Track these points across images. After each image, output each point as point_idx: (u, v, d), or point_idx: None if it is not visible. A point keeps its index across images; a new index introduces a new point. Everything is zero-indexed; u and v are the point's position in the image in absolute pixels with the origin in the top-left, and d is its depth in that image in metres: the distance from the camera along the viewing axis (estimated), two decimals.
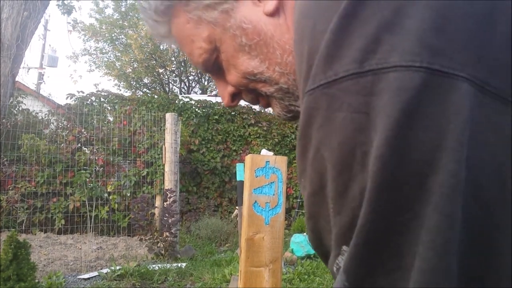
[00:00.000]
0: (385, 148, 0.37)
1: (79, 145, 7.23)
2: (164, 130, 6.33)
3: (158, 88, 21.00)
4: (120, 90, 21.13)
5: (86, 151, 7.25)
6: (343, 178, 0.40)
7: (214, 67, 0.67)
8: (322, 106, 0.41)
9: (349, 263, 0.39)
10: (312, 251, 5.22)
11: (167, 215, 5.42)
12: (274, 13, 0.60)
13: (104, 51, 21.38)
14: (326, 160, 0.42)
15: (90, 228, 6.08)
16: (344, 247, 0.42)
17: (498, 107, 0.37)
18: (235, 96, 0.69)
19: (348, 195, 0.40)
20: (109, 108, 7.88)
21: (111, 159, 7.18)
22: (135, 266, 4.57)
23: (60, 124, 7.61)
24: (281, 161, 1.82)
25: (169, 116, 6.10)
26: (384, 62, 0.38)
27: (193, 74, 21.58)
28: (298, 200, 8.00)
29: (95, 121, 7.43)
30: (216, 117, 8.52)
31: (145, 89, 20.96)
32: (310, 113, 0.43)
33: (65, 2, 8.33)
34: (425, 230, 0.36)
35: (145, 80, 21.82)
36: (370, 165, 0.38)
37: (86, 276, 4.51)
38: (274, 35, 0.60)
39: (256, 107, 8.69)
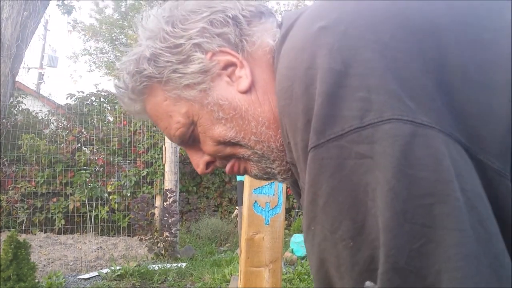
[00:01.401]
0: (394, 181, 0.45)
1: (79, 145, 7.23)
2: None
3: None
4: None
5: (86, 151, 7.25)
6: (360, 215, 0.47)
7: (190, 139, 0.72)
8: (333, 156, 0.49)
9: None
10: None
11: (167, 215, 5.42)
12: (247, 91, 0.68)
13: (104, 51, 21.38)
14: (340, 203, 0.48)
15: (90, 228, 6.08)
16: (368, 283, 0.48)
17: (460, 149, 0.47)
18: (210, 164, 0.75)
19: (365, 230, 0.47)
20: (109, 108, 7.87)
21: (111, 159, 7.18)
22: (135, 266, 4.57)
23: (60, 124, 7.61)
24: None
25: None
26: (379, 116, 0.47)
27: None
28: None
29: (95, 121, 7.44)
30: None
31: None
32: (321, 163, 0.49)
33: (65, 2, 8.33)
34: (443, 248, 0.43)
35: None
36: (382, 198, 0.45)
37: (86, 276, 4.51)
38: (249, 109, 0.67)
39: None
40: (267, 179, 0.75)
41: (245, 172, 0.75)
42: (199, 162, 0.75)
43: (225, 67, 0.68)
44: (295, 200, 7.92)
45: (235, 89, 0.68)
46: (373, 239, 0.46)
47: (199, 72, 0.67)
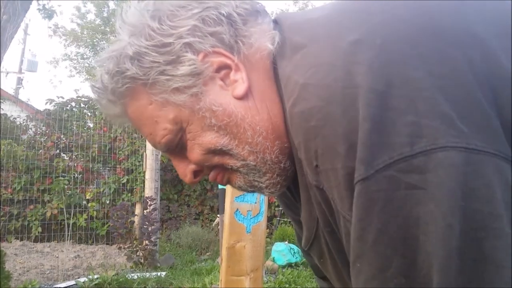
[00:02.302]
0: (451, 217, 0.42)
1: (58, 151, 7.12)
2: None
3: None
4: None
5: (65, 158, 7.14)
6: (411, 251, 0.45)
7: (177, 146, 0.66)
8: (382, 188, 0.45)
9: None
10: (293, 260, 5.21)
11: (147, 223, 5.36)
12: (243, 97, 0.62)
13: (85, 56, 21.18)
14: (391, 239, 0.45)
15: (68, 236, 5.96)
16: None
17: None
18: (198, 173, 0.69)
19: (417, 266, 0.45)
20: (89, 114, 7.77)
21: (91, 166, 7.09)
22: (113, 275, 4.50)
23: (38, 129, 7.49)
24: None
25: None
26: (432, 144, 0.44)
27: None
28: (280, 208, 7.99)
29: (74, 127, 7.33)
30: None
31: None
32: (370, 197, 0.46)
33: (46, 6, 8.23)
34: (492, 285, 0.42)
35: None
36: (437, 234, 0.43)
37: (63, 285, 4.43)
38: (245, 117, 0.62)
39: None
40: (251, 191, 0.70)
41: (228, 182, 0.70)
42: (186, 171, 0.69)
43: (218, 69, 0.63)
44: (277, 208, 7.92)
45: (229, 94, 0.62)
46: (425, 275, 0.44)
47: (190, 74, 0.61)
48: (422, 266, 0.44)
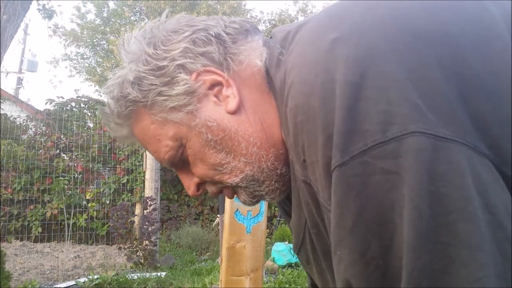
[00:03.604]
0: (417, 199, 0.44)
1: (58, 151, 7.11)
2: None
3: None
4: (101, 96, 20.91)
5: (65, 158, 7.14)
6: (388, 233, 0.46)
7: (180, 161, 0.71)
8: (358, 173, 0.47)
9: None
10: (293, 260, 5.21)
11: (147, 223, 5.36)
12: (236, 111, 0.66)
13: (85, 56, 21.17)
14: (369, 222, 0.47)
15: (68, 236, 5.96)
16: None
17: (486, 162, 0.46)
18: (200, 186, 0.74)
19: (394, 248, 0.46)
20: (89, 114, 7.77)
21: (91, 166, 7.08)
22: (113, 275, 4.50)
23: (38, 129, 7.48)
24: None
25: None
26: (403, 129, 0.46)
27: None
28: None
29: (74, 127, 7.33)
30: None
31: None
32: (346, 182, 0.48)
33: (46, 6, 8.23)
34: (467, 269, 0.42)
35: None
36: (407, 216, 0.44)
37: (63, 285, 4.42)
38: (239, 130, 0.66)
39: None
40: (256, 202, 0.74)
41: (233, 196, 0.74)
42: (190, 184, 0.74)
43: (211, 86, 0.67)
44: (277, 208, 7.92)
45: (223, 110, 0.66)
46: (400, 257, 0.45)
47: (184, 93, 0.66)
48: (398, 248, 0.46)
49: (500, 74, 0.49)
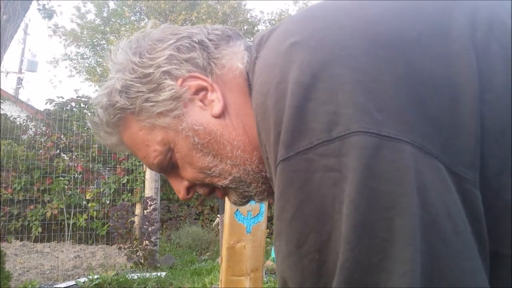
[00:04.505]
0: (355, 194, 0.45)
1: (58, 151, 7.11)
2: None
3: None
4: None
5: (65, 158, 7.14)
6: (327, 228, 0.47)
7: (169, 166, 0.73)
8: (301, 169, 0.49)
9: None
10: None
11: (147, 223, 5.36)
12: (220, 115, 0.68)
13: (85, 56, 21.17)
14: (308, 216, 0.48)
15: (68, 236, 5.96)
16: None
17: (433, 162, 0.47)
18: (190, 189, 0.76)
19: (331, 243, 0.47)
20: (89, 114, 7.77)
21: (91, 166, 7.08)
22: (113, 275, 4.50)
23: (38, 130, 7.48)
24: None
25: None
26: (346, 129, 0.47)
27: None
28: None
29: (74, 127, 7.33)
30: None
31: None
32: (289, 176, 0.50)
33: (46, 6, 8.22)
34: (399, 264, 0.43)
35: None
36: (345, 211, 0.45)
37: (63, 285, 4.42)
38: (223, 134, 0.68)
39: None
40: (246, 202, 0.76)
41: (224, 196, 0.76)
42: (180, 188, 0.76)
43: (197, 91, 0.69)
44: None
45: (209, 114, 0.68)
46: (337, 253, 0.46)
47: (170, 99, 0.68)
48: (335, 243, 0.46)
49: (456, 76, 0.50)
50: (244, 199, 0.75)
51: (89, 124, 7.49)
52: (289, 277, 0.51)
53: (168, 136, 0.69)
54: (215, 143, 0.68)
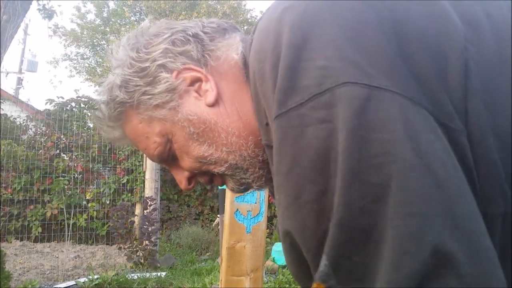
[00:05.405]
0: (346, 143, 0.46)
1: (58, 151, 7.11)
2: None
3: None
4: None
5: (65, 158, 7.13)
6: (323, 178, 0.49)
7: (169, 157, 0.76)
8: (295, 124, 0.50)
9: (328, 246, 0.48)
10: None
11: (147, 223, 5.36)
12: (214, 104, 0.70)
13: (85, 56, 21.15)
14: (303, 168, 0.49)
15: (68, 236, 5.96)
16: (322, 265, 0.49)
17: (423, 112, 0.48)
18: (191, 179, 0.78)
19: (328, 192, 0.48)
20: (89, 114, 7.76)
21: (91, 166, 7.08)
22: (113, 275, 4.50)
23: (38, 130, 7.48)
24: None
25: None
26: (336, 81, 0.48)
27: None
28: None
29: (74, 127, 7.33)
30: None
31: None
32: (284, 132, 0.51)
33: (46, 6, 8.22)
34: (389, 207, 0.44)
35: None
36: (338, 159, 0.47)
37: (63, 285, 4.42)
38: (218, 122, 0.70)
39: None
40: (244, 190, 0.78)
41: (223, 184, 0.78)
42: (181, 178, 0.78)
43: (192, 83, 0.71)
44: (277, 209, 7.92)
45: (203, 103, 0.70)
46: (333, 200, 0.48)
47: (166, 91, 0.70)
48: (332, 191, 0.48)
49: (442, 32, 0.52)
50: (242, 186, 0.77)
51: (89, 124, 7.52)
52: (290, 227, 0.52)
53: (166, 127, 0.72)
54: (210, 132, 0.70)
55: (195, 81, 0.71)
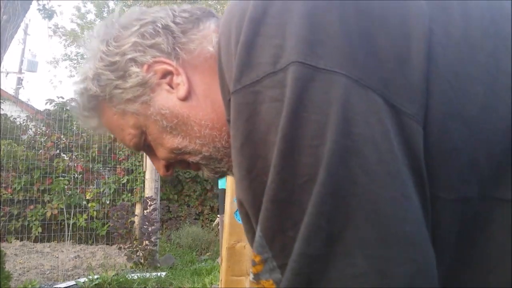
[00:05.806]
0: (284, 122, 0.47)
1: (58, 151, 7.11)
2: None
3: None
4: None
5: (65, 158, 7.14)
6: (270, 154, 0.49)
7: (145, 146, 0.77)
8: (249, 101, 0.51)
9: (261, 218, 0.49)
10: None
11: (147, 223, 5.36)
12: (186, 97, 0.70)
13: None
14: (255, 143, 0.51)
15: (68, 236, 5.97)
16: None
17: (370, 94, 0.48)
18: (169, 167, 0.79)
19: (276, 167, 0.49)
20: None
21: (91, 166, 7.09)
22: (113, 275, 4.50)
23: (38, 130, 7.48)
24: None
25: None
26: (287, 61, 0.48)
27: None
28: None
29: (74, 127, 7.33)
30: None
31: None
32: (238, 108, 0.52)
33: (46, 6, 8.22)
34: (317, 186, 0.45)
35: None
36: (278, 136, 0.48)
37: (63, 285, 4.43)
38: (190, 115, 0.70)
39: None
40: (220, 177, 0.80)
41: (198, 170, 0.80)
42: (159, 166, 0.79)
43: (163, 76, 0.71)
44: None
45: (175, 97, 0.71)
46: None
47: (137, 85, 0.70)
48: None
49: (407, 15, 0.52)
50: (217, 174, 0.78)
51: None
52: (243, 199, 0.54)
53: (139, 121, 0.73)
54: (183, 125, 0.71)
55: (167, 74, 0.71)
